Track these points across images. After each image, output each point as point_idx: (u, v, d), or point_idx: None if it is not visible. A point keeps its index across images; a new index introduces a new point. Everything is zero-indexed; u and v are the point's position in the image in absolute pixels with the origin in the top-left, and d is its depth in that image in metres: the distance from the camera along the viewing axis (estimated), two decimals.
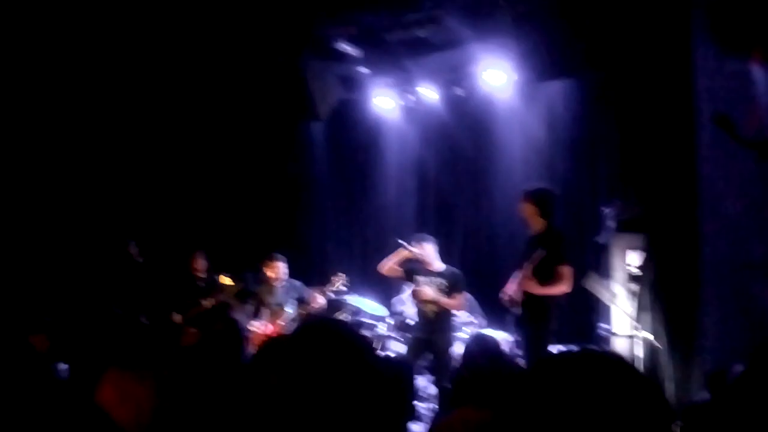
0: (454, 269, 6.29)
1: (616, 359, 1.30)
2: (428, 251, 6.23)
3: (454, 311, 6.25)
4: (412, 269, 6.27)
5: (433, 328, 6.12)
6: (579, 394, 1.21)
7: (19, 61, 7.00)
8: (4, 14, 6.35)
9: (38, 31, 6.78)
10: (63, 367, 4.77)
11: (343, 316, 6.95)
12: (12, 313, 5.58)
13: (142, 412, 2.45)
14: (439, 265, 6.23)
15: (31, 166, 7.44)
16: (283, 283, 7.03)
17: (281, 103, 8.12)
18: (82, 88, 7.54)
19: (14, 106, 7.22)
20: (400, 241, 6.29)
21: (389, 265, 6.32)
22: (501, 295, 5.61)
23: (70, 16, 6.67)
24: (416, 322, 6.34)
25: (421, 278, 6.18)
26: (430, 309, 6.16)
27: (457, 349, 6.38)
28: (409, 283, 6.37)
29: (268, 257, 7.10)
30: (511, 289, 5.54)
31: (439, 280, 6.16)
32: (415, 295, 6.22)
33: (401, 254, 6.25)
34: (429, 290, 6.10)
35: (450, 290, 6.15)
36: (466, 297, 6.59)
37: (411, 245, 6.21)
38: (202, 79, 7.76)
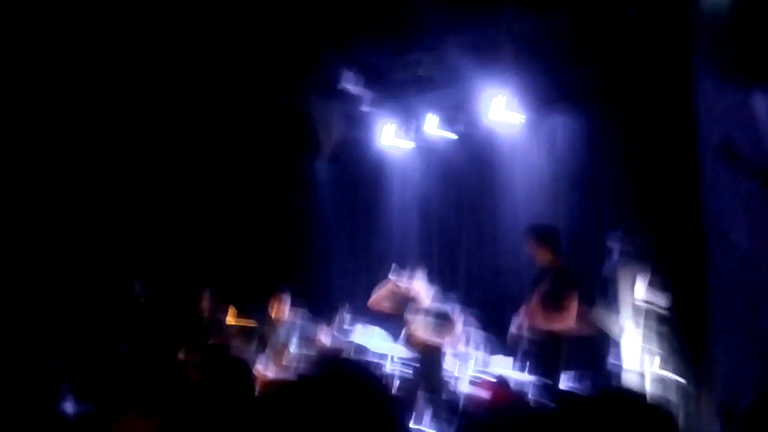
0: (443, 305, 6.21)
1: (641, 401, 1.31)
2: (419, 286, 6.17)
3: (446, 348, 6.16)
4: (402, 305, 6.21)
5: (424, 366, 6.05)
6: None
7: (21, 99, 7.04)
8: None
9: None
10: (69, 405, 4.75)
11: (347, 351, 6.89)
12: (22, 354, 5.57)
13: None
14: (428, 300, 6.16)
15: (38, 202, 7.48)
16: (288, 321, 6.99)
17: (286, 140, 8.18)
18: (92, 121, 7.60)
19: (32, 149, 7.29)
20: (391, 271, 6.22)
21: (378, 300, 6.27)
22: (510, 333, 5.59)
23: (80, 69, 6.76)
24: (409, 360, 6.27)
25: (411, 316, 6.12)
26: (420, 347, 6.10)
27: (463, 386, 6.30)
28: (399, 318, 6.32)
29: (273, 295, 7.07)
30: (519, 323, 5.51)
31: (429, 318, 6.11)
32: (408, 339, 6.16)
33: (390, 288, 6.20)
34: (421, 332, 6.04)
35: (441, 326, 6.09)
36: (466, 330, 6.56)
37: (402, 277, 6.15)
38: (208, 115, 7.82)
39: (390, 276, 6.21)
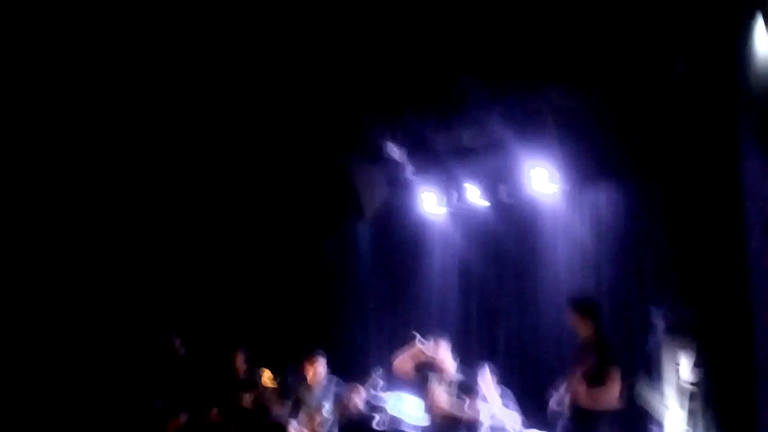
0: (464, 374, 6.12)
1: None
2: (443, 353, 6.10)
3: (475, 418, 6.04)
4: (426, 372, 6.14)
5: None
6: None
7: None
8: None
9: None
10: None
11: (380, 419, 6.80)
12: (60, 408, 5.62)
13: None
14: (452, 368, 6.07)
15: (74, 254, 7.64)
16: (323, 383, 6.95)
17: (329, 202, 8.31)
18: (128, 166, 7.78)
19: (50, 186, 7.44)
20: (415, 333, 6.19)
21: (402, 363, 6.21)
22: (550, 406, 5.48)
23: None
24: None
25: (434, 384, 6.04)
26: (441, 418, 6.00)
27: None
28: (421, 384, 6.24)
29: (309, 356, 7.06)
30: (560, 398, 5.41)
31: (453, 388, 6.03)
32: (430, 408, 6.07)
33: (414, 352, 6.14)
34: (443, 402, 5.96)
35: (464, 395, 6.01)
36: (504, 400, 6.48)
37: (427, 345, 6.11)
38: (253, 176, 8.00)
39: (415, 341, 6.18)
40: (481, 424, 6.66)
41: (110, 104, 7.03)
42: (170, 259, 8.19)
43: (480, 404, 6.09)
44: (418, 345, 6.12)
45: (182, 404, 6.39)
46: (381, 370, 6.88)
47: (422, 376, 6.14)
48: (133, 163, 7.71)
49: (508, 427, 6.59)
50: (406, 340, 6.22)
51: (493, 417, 6.72)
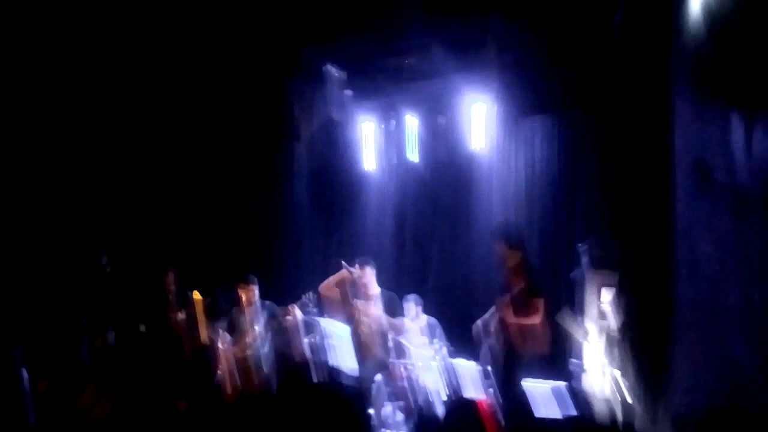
0: (390, 292, 6.29)
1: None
2: (368, 275, 6.23)
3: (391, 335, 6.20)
4: (351, 292, 6.28)
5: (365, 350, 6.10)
6: None
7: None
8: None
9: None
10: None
11: (313, 338, 6.88)
12: None
13: (112, 416, 2.40)
14: (376, 289, 6.22)
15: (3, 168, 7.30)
16: (256, 306, 6.96)
17: (264, 121, 8.13)
18: (61, 87, 7.43)
19: None
20: (342, 262, 6.29)
21: (329, 288, 6.33)
22: (475, 324, 5.64)
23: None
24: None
25: (359, 302, 6.20)
26: (364, 335, 6.16)
27: (427, 377, 6.36)
28: (347, 305, 6.38)
29: (243, 280, 7.02)
30: (486, 318, 5.58)
31: (378, 303, 6.18)
32: (356, 329, 6.21)
33: (340, 277, 6.27)
34: (367, 320, 6.12)
35: (387, 313, 6.17)
36: (427, 320, 6.77)
37: (353, 267, 6.23)
38: (184, 93, 7.73)
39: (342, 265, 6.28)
40: (402, 344, 6.88)
41: None
42: (99, 174, 7.90)
43: (401, 325, 6.24)
44: (344, 271, 6.22)
45: (108, 322, 6.29)
46: (310, 293, 6.91)
47: (347, 299, 6.26)
48: (71, 71, 7.33)
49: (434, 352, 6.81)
50: (335, 268, 6.29)
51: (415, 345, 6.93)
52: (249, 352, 6.62)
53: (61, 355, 5.20)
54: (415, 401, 6.34)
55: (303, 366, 6.05)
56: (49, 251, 7.30)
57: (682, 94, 5.43)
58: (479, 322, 5.66)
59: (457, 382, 5.66)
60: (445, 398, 5.67)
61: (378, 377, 6.38)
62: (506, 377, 5.33)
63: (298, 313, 6.63)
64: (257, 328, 6.80)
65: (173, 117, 8.07)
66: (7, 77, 6.99)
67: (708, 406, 2.67)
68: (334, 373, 5.95)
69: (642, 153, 5.90)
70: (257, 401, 2.61)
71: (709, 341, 4.88)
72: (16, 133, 7.30)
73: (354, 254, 6.86)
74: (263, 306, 6.97)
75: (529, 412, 4.64)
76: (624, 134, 6.24)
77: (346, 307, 6.37)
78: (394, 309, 6.11)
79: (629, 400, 5.25)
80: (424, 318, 7.15)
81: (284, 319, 6.70)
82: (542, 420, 4.47)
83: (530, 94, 7.23)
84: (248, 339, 6.74)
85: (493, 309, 5.55)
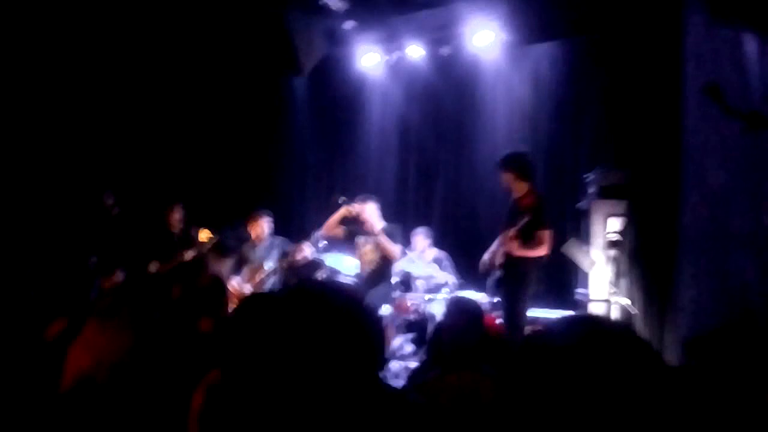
0: (392, 225, 6.21)
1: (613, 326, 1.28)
2: (370, 212, 6.14)
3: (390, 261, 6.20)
4: (354, 230, 6.22)
5: (370, 284, 6.11)
6: (580, 364, 1.18)
7: None
8: None
9: None
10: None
11: (321, 275, 6.92)
12: None
13: (115, 360, 2.38)
14: (379, 226, 6.13)
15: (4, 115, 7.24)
16: (267, 240, 6.97)
17: (264, 56, 7.97)
18: (58, 41, 7.30)
19: None
20: (342, 199, 6.19)
21: (332, 226, 6.25)
22: (482, 259, 5.63)
23: None
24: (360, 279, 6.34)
25: (362, 239, 6.15)
26: (369, 270, 6.16)
27: (435, 309, 6.43)
28: (350, 243, 6.35)
29: (253, 214, 7.00)
30: (492, 251, 5.56)
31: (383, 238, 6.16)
32: (360, 262, 6.21)
33: (341, 213, 6.18)
34: (370, 250, 6.12)
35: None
36: (435, 253, 6.90)
37: (354, 204, 6.14)
38: (183, 29, 7.56)
39: (341, 202, 6.17)
40: (411, 277, 6.93)
41: None
42: (103, 115, 7.82)
43: (400, 252, 6.22)
44: (345, 208, 6.12)
45: (117, 262, 6.31)
46: (320, 228, 6.91)
47: (351, 234, 6.22)
48: (67, 18, 7.15)
49: (442, 285, 6.85)
50: (334, 207, 6.19)
51: (428, 277, 6.96)
52: (260, 288, 6.66)
53: (70, 297, 5.23)
54: (424, 333, 6.42)
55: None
56: (52, 193, 7.29)
57: (694, 16, 5.24)
58: (486, 255, 5.63)
59: None
60: None
61: (387, 309, 6.45)
62: (511, 309, 5.34)
63: (308, 250, 6.64)
64: (269, 263, 6.82)
65: (176, 55, 7.92)
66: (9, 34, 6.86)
67: (715, 329, 2.65)
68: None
69: (651, 77, 5.75)
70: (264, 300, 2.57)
71: (717, 267, 4.85)
72: (19, 76, 7.20)
73: (359, 190, 6.81)
74: (275, 240, 6.98)
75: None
76: (633, 59, 6.08)
77: (351, 244, 6.35)
78: (394, 240, 6.06)
79: (635, 327, 5.26)
80: (434, 251, 7.17)
81: (296, 254, 6.72)
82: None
83: (537, 21, 7.03)
84: (259, 275, 6.78)
85: (498, 240, 5.51)
